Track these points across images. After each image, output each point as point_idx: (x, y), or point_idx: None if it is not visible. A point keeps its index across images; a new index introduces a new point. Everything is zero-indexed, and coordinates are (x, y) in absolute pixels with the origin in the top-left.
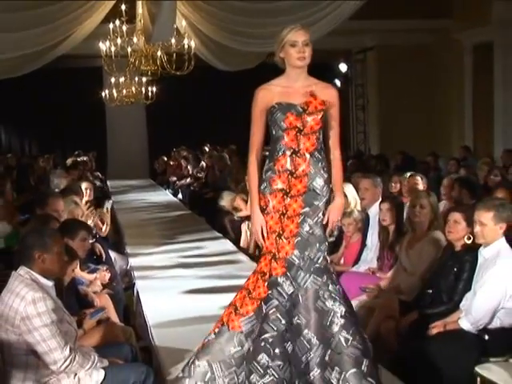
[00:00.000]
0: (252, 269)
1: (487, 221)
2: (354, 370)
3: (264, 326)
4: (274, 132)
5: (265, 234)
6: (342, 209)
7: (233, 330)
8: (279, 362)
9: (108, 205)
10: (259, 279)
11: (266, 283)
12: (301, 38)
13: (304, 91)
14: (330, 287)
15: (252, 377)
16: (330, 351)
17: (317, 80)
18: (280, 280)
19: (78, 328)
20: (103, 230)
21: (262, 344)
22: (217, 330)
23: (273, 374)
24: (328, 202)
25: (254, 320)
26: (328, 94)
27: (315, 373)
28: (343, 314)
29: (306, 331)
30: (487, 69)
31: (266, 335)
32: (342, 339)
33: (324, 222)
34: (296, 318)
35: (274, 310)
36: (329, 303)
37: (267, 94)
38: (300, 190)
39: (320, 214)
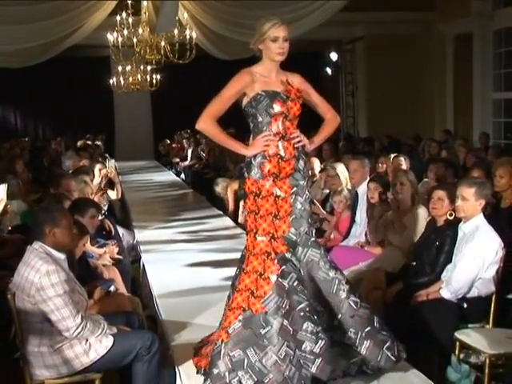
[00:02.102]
0: None
1: (469, 196)
2: (368, 328)
3: (295, 299)
4: (260, 119)
5: (267, 141)
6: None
7: (257, 313)
8: (321, 327)
9: (111, 163)
10: (266, 260)
11: (276, 261)
12: (282, 33)
13: (280, 80)
14: (328, 258)
15: (304, 346)
16: (339, 316)
17: (283, 71)
18: (288, 256)
19: (89, 298)
20: (115, 193)
21: (302, 314)
22: (241, 318)
23: (324, 338)
24: (309, 180)
25: (275, 297)
26: (297, 81)
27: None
28: (346, 280)
29: (311, 301)
30: (467, 58)
31: (302, 305)
32: (352, 303)
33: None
34: None
35: (296, 282)
36: (331, 273)
37: (249, 80)
38: (288, 171)
39: (306, 191)
